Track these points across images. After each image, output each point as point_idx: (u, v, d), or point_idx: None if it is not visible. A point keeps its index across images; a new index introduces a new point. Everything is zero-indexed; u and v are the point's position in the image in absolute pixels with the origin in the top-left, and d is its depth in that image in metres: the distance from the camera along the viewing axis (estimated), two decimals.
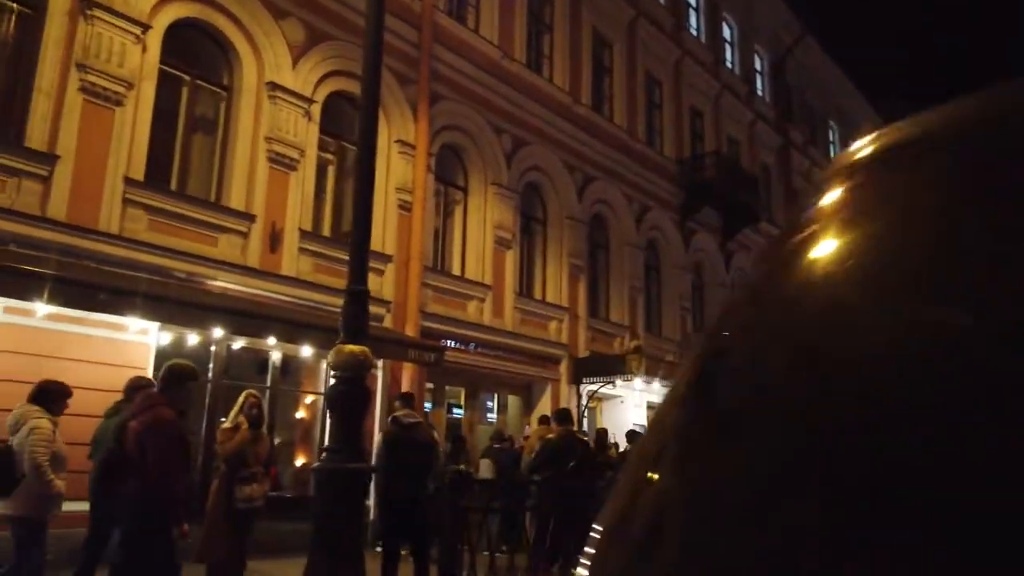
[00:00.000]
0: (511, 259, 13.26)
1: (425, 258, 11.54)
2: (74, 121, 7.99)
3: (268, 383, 9.77)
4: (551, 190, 14.52)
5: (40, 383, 5.38)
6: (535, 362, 13.45)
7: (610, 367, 13.86)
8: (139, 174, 8.49)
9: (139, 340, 8.28)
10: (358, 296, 5.45)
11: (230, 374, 9.53)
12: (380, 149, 11.48)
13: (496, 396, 13.29)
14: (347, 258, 10.67)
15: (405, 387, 10.82)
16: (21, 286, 6.61)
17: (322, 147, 10.80)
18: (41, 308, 7.31)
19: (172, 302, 7.48)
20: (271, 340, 9.34)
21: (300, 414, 10.69)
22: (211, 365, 9.14)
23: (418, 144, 11.61)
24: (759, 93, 22.75)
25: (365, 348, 5.36)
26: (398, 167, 11.46)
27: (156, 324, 8.31)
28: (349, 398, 5.14)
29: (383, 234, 11.16)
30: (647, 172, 16.93)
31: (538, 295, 14.05)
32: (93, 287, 6.79)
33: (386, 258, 11.08)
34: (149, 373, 8.36)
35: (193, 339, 8.73)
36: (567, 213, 14.60)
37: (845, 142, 28.56)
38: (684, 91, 18.91)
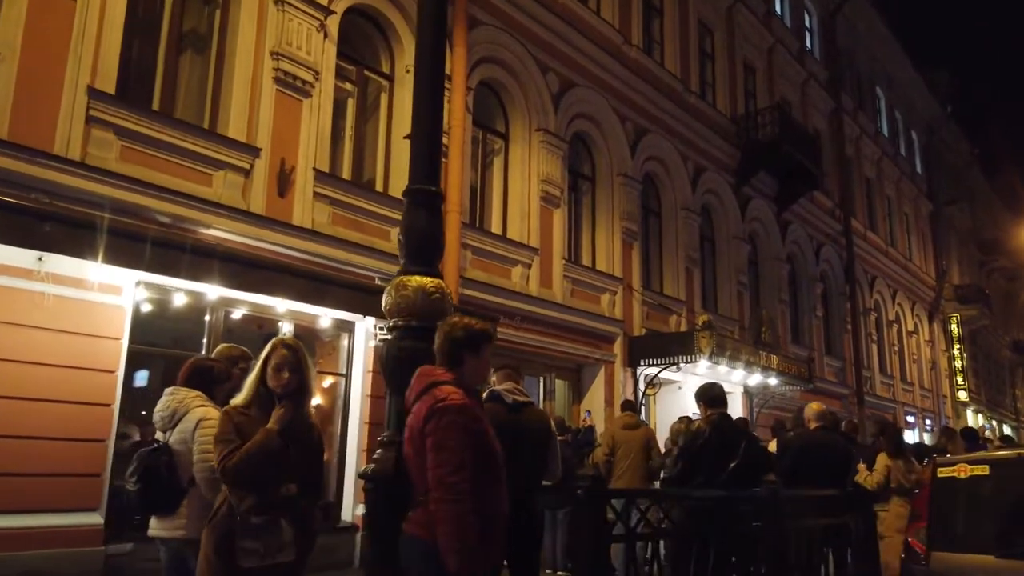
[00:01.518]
0: (559, 219, 11.27)
1: (463, 213, 9.57)
2: (19, 9, 6.02)
3: None
4: (601, 142, 12.52)
5: (193, 361, 3.76)
6: (586, 340, 11.48)
7: (673, 347, 11.90)
8: (109, 86, 6.52)
9: (109, 301, 6.32)
10: (426, 199, 3.49)
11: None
12: (410, 78, 9.51)
13: (542, 380, 11.32)
14: (373, 209, 8.71)
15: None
16: None
17: (340, 75, 8.82)
18: None
19: (152, 243, 5.51)
20: (281, 306, 7.39)
21: (315, 400, 8.72)
22: (205, 339, 7.19)
23: (454, 75, 9.60)
24: (809, 51, 20.73)
25: (440, 282, 3.43)
26: None
27: (132, 279, 6.36)
28: (421, 361, 3.20)
29: None
30: (702, 128, 14.93)
31: (586, 262, 12.08)
32: (39, 215, 4.84)
33: None
34: (123, 344, 6.44)
35: (180, 300, 6.77)
36: (619, 170, 12.61)
37: (892, 112, 26.52)
38: (737, 42, 16.90)
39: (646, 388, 12.12)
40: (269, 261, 6.69)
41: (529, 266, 10.64)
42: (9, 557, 5.52)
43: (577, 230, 12.15)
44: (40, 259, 5.85)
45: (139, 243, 5.37)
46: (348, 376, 8.39)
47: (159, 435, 3.54)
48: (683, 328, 13.37)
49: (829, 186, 20.21)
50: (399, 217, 8.75)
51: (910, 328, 24.82)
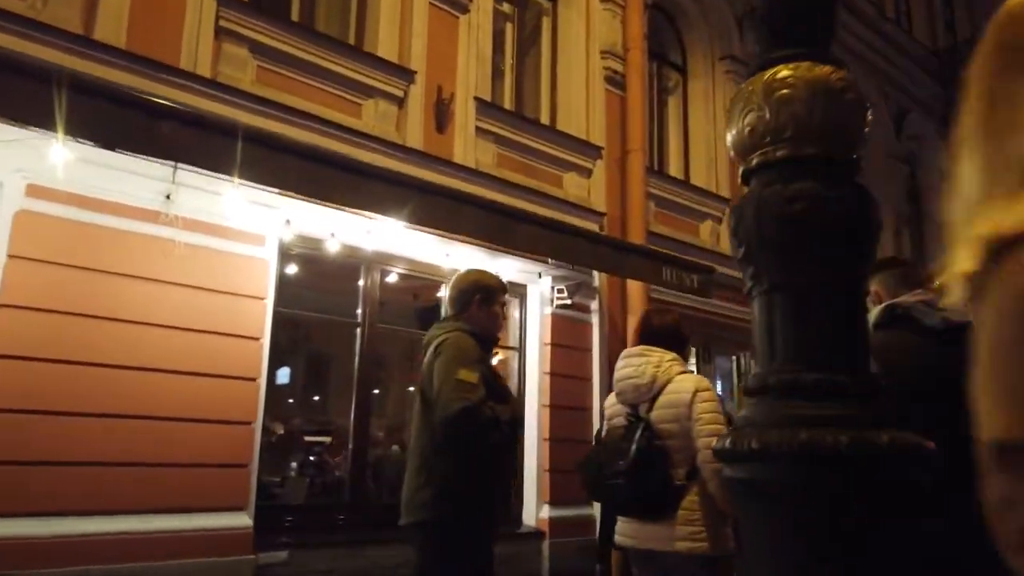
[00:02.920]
0: None
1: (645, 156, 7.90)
2: None
3: None
4: None
5: (657, 314, 3.02)
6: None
7: None
8: None
9: (251, 253, 5.15)
10: None
11: (386, 316, 6.29)
12: None
13: (736, 360, 9.47)
14: (542, 148, 7.10)
15: (631, 333, 7.20)
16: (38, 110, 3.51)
17: None
18: (79, 177, 4.31)
19: (302, 155, 4.19)
20: (448, 262, 6.04)
21: None
22: (359, 308, 5.95)
23: None
24: None
25: (847, 73, 1.80)
26: (601, 23, 7.90)
27: (276, 222, 5.15)
28: (832, 222, 1.59)
29: (587, 116, 7.64)
30: (903, 60, 12.53)
31: None
32: (157, 112, 3.62)
33: (594, 151, 7.54)
34: (268, 305, 5.24)
35: (331, 255, 5.50)
36: None
37: None
38: None
39: None
40: (448, 190, 5.26)
41: (720, 220, 8.84)
42: (157, 568, 4.40)
43: None
44: (168, 197, 4.74)
45: (285, 155, 4.08)
46: (521, 350, 6.94)
47: (611, 407, 2.82)
48: None
49: None
50: (571, 159, 7.17)
51: None
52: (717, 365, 9.20)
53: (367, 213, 5.41)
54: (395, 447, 7.70)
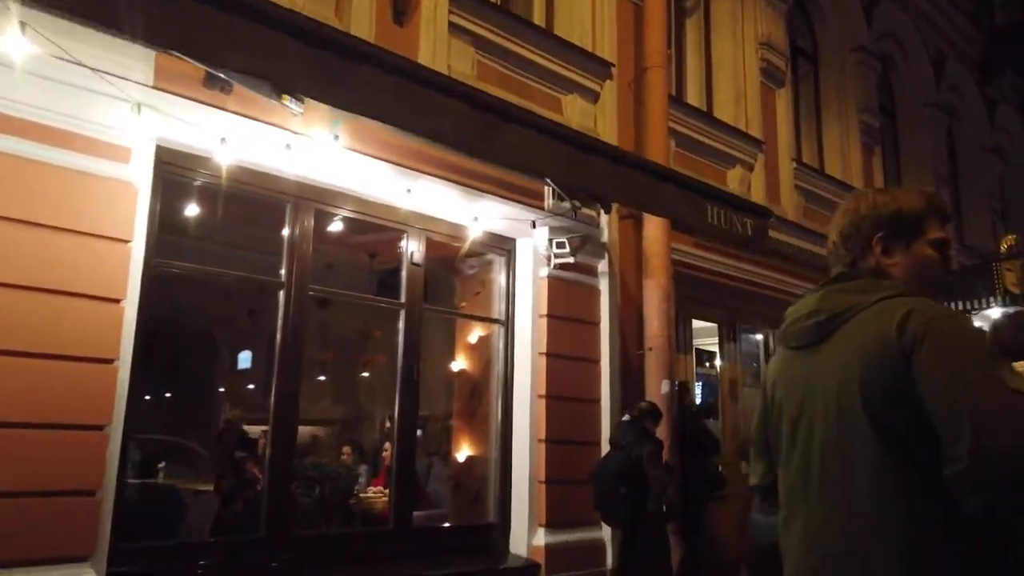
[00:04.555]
0: (784, 104, 7.79)
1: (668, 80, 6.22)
2: None
3: (402, 298, 4.77)
4: (826, 4, 8.89)
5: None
6: (822, 279, 7.91)
7: (954, 286, 8.18)
8: None
9: (106, 172, 3.41)
10: None
11: (323, 275, 4.60)
12: None
13: (764, 338, 7.87)
14: (535, 58, 4.18)
15: (652, 304, 5.57)
16: None
17: None
18: None
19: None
20: (408, 201, 4.36)
21: (459, 362, 5.64)
22: (284, 263, 4.23)
23: None
24: None
25: None
26: None
27: (146, 127, 3.40)
28: None
29: (593, 25, 5.96)
30: (941, 0, 10.98)
31: (808, 161, 8.45)
32: None
33: (602, 68, 5.86)
34: (136, 251, 3.54)
35: (236, 181, 3.75)
36: (852, 43, 8.94)
37: None
38: None
39: None
40: (409, 66, 3.45)
41: (751, 167, 7.22)
42: None
43: (796, 121, 8.56)
44: None
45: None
46: (509, 325, 5.28)
47: None
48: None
49: None
50: (573, 76, 4.84)
51: None
52: (742, 344, 7.61)
53: (284, 120, 3.71)
54: (347, 449, 6.03)
